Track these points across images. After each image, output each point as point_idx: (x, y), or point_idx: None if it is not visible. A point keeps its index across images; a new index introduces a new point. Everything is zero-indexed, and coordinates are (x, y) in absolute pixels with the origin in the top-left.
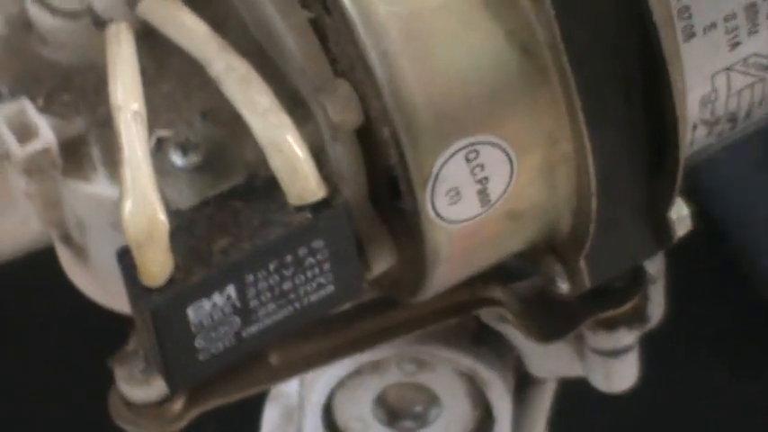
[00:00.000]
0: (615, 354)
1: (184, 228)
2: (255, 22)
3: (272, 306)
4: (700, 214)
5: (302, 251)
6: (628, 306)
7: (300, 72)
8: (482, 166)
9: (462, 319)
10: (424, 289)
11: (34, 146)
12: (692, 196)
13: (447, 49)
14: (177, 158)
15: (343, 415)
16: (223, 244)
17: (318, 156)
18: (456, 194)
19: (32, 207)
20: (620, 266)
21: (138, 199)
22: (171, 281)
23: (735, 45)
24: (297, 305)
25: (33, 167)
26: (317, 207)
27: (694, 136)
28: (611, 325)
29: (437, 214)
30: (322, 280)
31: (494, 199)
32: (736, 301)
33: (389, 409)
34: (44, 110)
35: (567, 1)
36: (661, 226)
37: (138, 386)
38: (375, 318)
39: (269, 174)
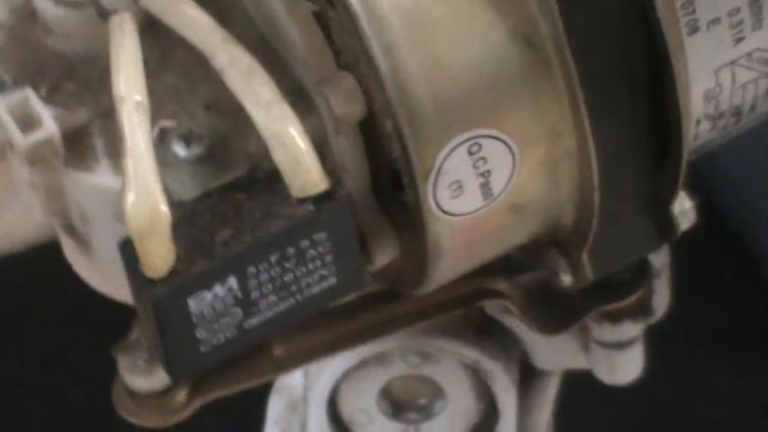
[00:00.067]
0: (620, 346)
1: (186, 219)
2: (259, 15)
3: (273, 298)
4: (703, 207)
5: (304, 243)
6: (632, 298)
7: (304, 64)
8: (484, 160)
9: (466, 312)
10: (427, 281)
11: (37, 135)
12: (696, 188)
13: (450, 42)
14: (180, 150)
15: (347, 407)
16: (225, 235)
17: (321, 148)
18: (458, 187)
19: (35, 197)
20: (624, 260)
21: (140, 190)
22: (173, 272)
23: (739, 40)
24: (298, 297)
25: (36, 157)
26: (320, 199)
27: (698, 130)
28: (615, 317)
29: (439, 207)
30: (324, 272)
31: (496, 192)
32: (737, 300)
33: (394, 402)
34: (47, 100)
35: None
36: (664, 219)
37: (141, 376)
38: (378, 309)
39: (272, 166)
